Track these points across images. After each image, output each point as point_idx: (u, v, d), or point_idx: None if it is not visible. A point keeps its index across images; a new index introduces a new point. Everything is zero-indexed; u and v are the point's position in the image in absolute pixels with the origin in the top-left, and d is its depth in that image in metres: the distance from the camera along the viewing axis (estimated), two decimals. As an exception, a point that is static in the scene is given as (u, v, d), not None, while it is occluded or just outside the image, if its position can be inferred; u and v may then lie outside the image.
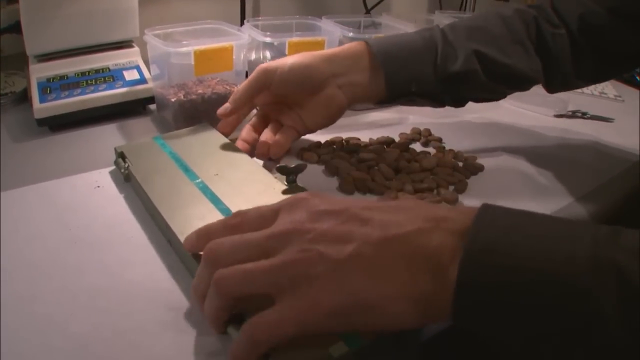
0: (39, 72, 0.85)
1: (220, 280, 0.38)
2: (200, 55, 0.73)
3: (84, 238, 0.55)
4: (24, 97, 0.96)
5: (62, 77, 0.84)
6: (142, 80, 0.85)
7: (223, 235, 0.42)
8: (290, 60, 0.66)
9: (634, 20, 0.67)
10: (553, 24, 0.72)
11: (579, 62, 0.72)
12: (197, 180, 0.58)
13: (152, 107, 0.88)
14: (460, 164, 0.73)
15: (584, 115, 1.02)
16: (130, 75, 0.85)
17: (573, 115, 1.01)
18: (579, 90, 1.20)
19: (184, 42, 0.75)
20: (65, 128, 0.82)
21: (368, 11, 1.20)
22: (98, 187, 0.65)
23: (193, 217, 0.51)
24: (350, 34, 0.84)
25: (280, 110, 0.72)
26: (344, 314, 0.35)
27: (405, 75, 0.67)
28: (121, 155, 0.66)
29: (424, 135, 0.81)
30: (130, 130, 0.82)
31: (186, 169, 0.61)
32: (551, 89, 0.78)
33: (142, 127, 0.83)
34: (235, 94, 0.68)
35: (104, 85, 0.83)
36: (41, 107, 0.79)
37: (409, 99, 0.70)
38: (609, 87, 1.27)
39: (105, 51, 0.88)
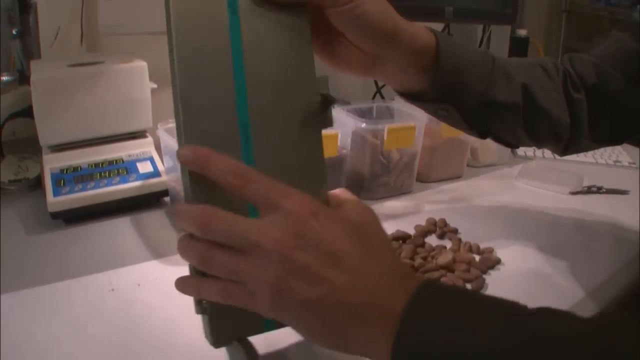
0: (52, 162, 0.88)
1: (211, 255, 0.45)
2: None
3: (97, 345, 0.56)
4: (37, 184, 0.99)
5: (75, 169, 0.87)
6: (156, 174, 0.88)
7: (218, 182, 0.45)
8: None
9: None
10: (574, 86, 0.74)
11: (595, 125, 0.74)
12: None
13: (166, 199, 0.90)
14: (477, 257, 0.74)
15: (599, 190, 1.04)
16: (144, 167, 0.88)
17: (589, 191, 1.03)
18: (594, 160, 1.23)
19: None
20: (79, 221, 0.84)
21: (379, 89, 1.23)
22: (112, 290, 0.67)
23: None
24: (363, 125, 0.87)
25: None
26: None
27: (455, 81, 0.65)
28: None
29: (440, 227, 0.82)
30: (144, 225, 0.84)
31: None
32: (565, 150, 0.78)
33: (156, 221, 0.85)
34: None
35: (118, 179, 0.86)
36: (55, 201, 0.82)
37: (442, 107, 0.67)
38: (623, 154, 1.29)
39: (118, 142, 0.91)
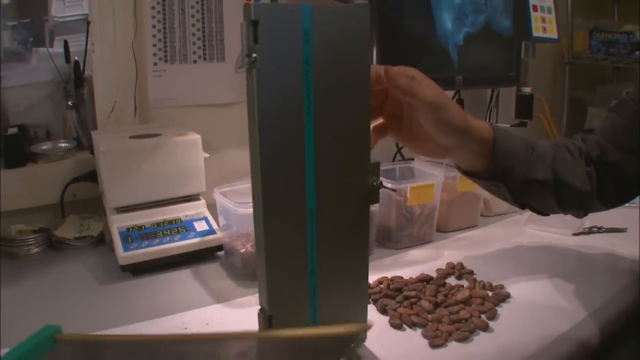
0: (119, 222, 1.04)
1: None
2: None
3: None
4: (100, 240, 1.16)
5: (140, 227, 1.04)
6: (211, 231, 1.05)
7: None
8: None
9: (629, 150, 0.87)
10: (586, 160, 0.90)
11: (604, 191, 0.89)
12: None
13: (220, 253, 1.07)
14: (490, 293, 0.90)
15: (599, 230, 1.20)
16: (200, 226, 1.05)
17: (590, 231, 1.19)
18: None
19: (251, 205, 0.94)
20: (145, 272, 1.00)
21: (399, 150, 1.40)
22: (185, 328, 0.83)
23: None
24: (389, 185, 1.03)
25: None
26: None
27: (504, 164, 0.81)
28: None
29: (457, 270, 0.98)
30: (203, 275, 1.00)
31: None
32: (584, 214, 0.93)
33: (213, 272, 1.02)
34: None
35: (179, 236, 1.02)
36: (125, 255, 0.98)
37: (494, 184, 0.83)
38: None
39: (176, 204, 1.09)
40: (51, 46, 1.61)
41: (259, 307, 0.68)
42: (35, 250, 1.13)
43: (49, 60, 1.42)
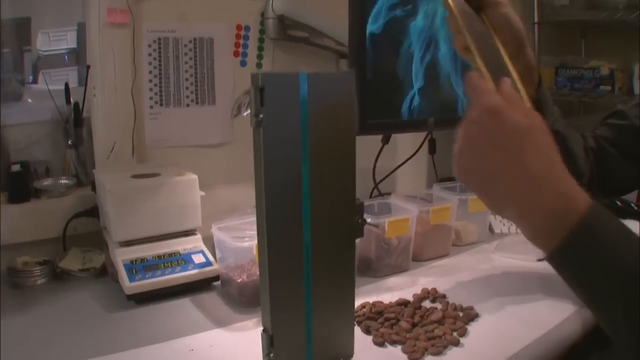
0: (123, 255, 1.15)
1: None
2: (260, 246, 1.05)
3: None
4: (103, 272, 1.26)
5: (142, 260, 1.15)
6: (208, 263, 1.17)
7: None
8: None
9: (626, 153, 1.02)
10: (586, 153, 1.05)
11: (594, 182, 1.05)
12: None
13: (216, 283, 1.19)
14: (461, 314, 1.03)
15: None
16: (198, 258, 1.17)
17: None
18: None
19: (247, 238, 1.07)
20: (148, 301, 1.11)
21: (376, 185, 1.54)
22: (191, 350, 0.94)
23: None
24: (369, 220, 1.16)
25: None
26: None
27: (542, 105, 0.98)
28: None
29: (432, 294, 1.11)
30: (203, 304, 1.11)
31: None
32: None
33: (211, 300, 1.13)
34: None
35: (179, 268, 1.14)
36: (131, 286, 1.09)
37: None
38: None
39: (174, 238, 1.20)
40: (35, 81, 1.72)
41: (262, 328, 0.81)
42: (41, 281, 1.23)
43: (47, 100, 1.51)
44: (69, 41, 1.75)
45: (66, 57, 1.75)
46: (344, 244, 0.82)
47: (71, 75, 1.74)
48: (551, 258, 0.65)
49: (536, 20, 2.38)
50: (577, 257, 0.63)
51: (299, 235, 0.77)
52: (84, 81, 1.43)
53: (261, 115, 0.72)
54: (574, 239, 0.62)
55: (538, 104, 0.94)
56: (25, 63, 1.69)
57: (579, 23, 2.43)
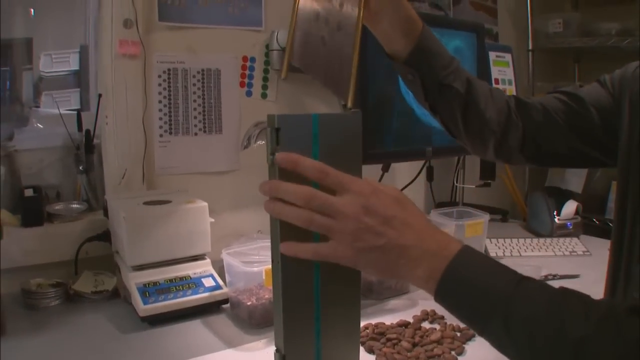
0: (136, 278, 1.23)
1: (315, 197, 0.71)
2: (269, 271, 1.13)
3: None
4: (115, 294, 1.34)
5: (155, 283, 1.23)
6: (218, 287, 1.25)
7: (307, 175, 0.73)
8: None
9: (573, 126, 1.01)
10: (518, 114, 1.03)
11: (527, 146, 1.03)
12: None
13: (225, 305, 1.26)
14: (459, 334, 1.11)
15: (554, 278, 1.43)
16: (208, 282, 1.25)
17: (545, 279, 1.41)
18: (553, 253, 1.66)
19: (256, 263, 1.15)
20: (161, 323, 1.19)
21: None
22: (208, 368, 1.02)
23: None
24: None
25: None
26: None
27: (425, 57, 0.94)
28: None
29: (431, 315, 1.19)
30: (213, 325, 1.19)
31: None
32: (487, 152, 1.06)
33: (222, 322, 1.21)
34: None
35: (190, 291, 1.22)
36: (145, 308, 1.17)
37: (411, 71, 0.95)
38: (578, 245, 1.74)
39: (185, 262, 1.28)
40: (37, 104, 1.79)
41: (273, 348, 0.88)
42: (55, 302, 1.30)
43: (57, 124, 1.58)
44: (72, 63, 1.83)
45: (72, 79, 1.83)
46: (351, 270, 0.90)
47: (73, 97, 1.83)
48: (437, 296, 0.73)
49: (530, 47, 2.48)
50: (454, 289, 0.71)
51: (310, 260, 0.85)
52: (85, 103, 1.50)
53: (276, 154, 0.80)
54: (449, 274, 0.71)
55: (420, 54, 0.94)
56: (25, 82, 1.76)
57: (573, 49, 2.52)
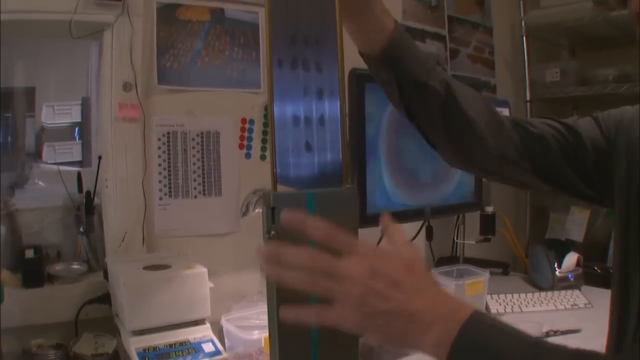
0: (136, 343, 1.25)
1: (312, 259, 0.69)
2: (267, 339, 1.15)
3: None
4: (115, 357, 1.35)
5: (154, 348, 1.25)
6: (217, 352, 1.27)
7: (314, 236, 0.70)
8: None
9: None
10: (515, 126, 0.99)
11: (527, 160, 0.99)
12: None
13: (227, 372, 1.28)
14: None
15: (555, 334, 1.45)
16: (208, 347, 1.27)
17: (547, 335, 1.42)
18: (554, 307, 1.68)
19: (256, 330, 1.17)
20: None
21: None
22: None
23: None
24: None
25: None
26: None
27: (400, 56, 0.91)
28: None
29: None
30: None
31: None
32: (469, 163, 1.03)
33: (221, 386, 1.23)
34: None
35: (190, 357, 1.24)
36: (145, 375, 1.19)
37: (385, 70, 0.92)
38: (580, 297, 1.76)
39: (185, 327, 1.30)
40: (39, 156, 1.83)
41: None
42: (55, 364, 1.32)
43: (58, 183, 1.62)
44: (74, 115, 1.88)
45: (75, 131, 1.89)
46: (349, 335, 0.91)
47: (75, 149, 1.87)
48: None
49: (528, 98, 2.53)
50: (467, 355, 0.69)
51: (307, 330, 0.86)
52: (87, 155, 1.53)
53: (273, 232, 0.83)
54: (461, 338, 0.68)
55: (393, 52, 0.91)
56: (28, 129, 1.81)
57: (571, 98, 2.56)
